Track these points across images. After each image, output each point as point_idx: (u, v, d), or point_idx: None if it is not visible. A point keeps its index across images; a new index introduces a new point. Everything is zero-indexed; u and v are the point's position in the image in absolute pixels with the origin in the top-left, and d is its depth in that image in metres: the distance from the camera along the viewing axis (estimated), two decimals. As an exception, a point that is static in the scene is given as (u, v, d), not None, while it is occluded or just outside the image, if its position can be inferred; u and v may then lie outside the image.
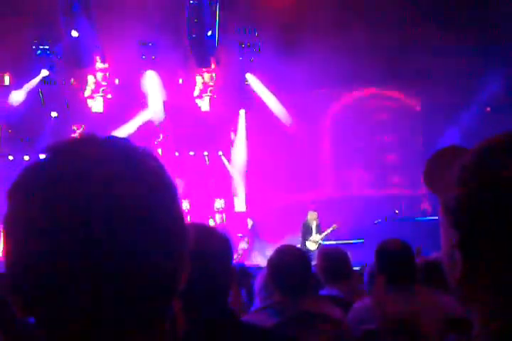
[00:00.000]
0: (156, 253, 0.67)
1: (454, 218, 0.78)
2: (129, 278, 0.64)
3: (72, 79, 15.09)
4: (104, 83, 15.20)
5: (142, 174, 0.68)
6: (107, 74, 15.21)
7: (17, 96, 14.34)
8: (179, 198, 0.72)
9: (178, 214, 0.71)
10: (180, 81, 15.48)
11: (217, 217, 14.90)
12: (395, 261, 2.59)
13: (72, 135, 14.12)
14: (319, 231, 11.72)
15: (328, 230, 11.67)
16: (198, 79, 15.53)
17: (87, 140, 0.71)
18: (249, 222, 13.81)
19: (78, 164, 0.66)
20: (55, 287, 0.64)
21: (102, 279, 0.63)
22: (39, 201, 0.65)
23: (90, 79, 15.12)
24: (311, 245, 11.52)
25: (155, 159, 0.71)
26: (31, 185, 0.67)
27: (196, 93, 15.58)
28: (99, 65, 15.10)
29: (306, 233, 11.78)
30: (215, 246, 1.51)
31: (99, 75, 15.19)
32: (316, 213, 11.87)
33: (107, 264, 0.63)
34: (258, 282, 3.16)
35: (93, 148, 0.69)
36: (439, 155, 0.92)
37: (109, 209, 0.64)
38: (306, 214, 12.02)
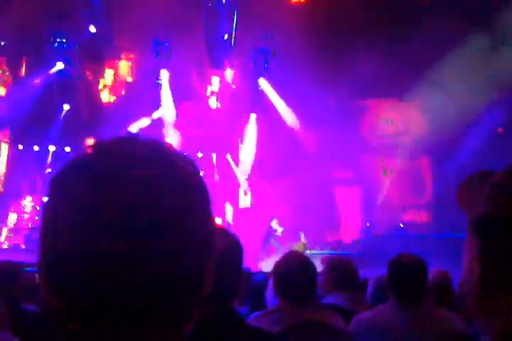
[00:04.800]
0: (189, 257, 0.69)
1: (477, 230, 0.77)
2: (160, 280, 0.66)
3: (86, 73, 15.14)
4: (118, 79, 15.24)
5: (181, 179, 0.71)
6: (122, 70, 15.25)
7: (31, 87, 14.39)
8: (211, 204, 0.75)
9: (210, 219, 0.74)
10: (194, 82, 15.50)
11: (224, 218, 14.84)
12: (410, 276, 2.53)
13: (87, 132, 14.15)
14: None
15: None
16: (212, 81, 15.55)
17: (131, 140, 0.73)
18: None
19: (121, 164, 0.69)
20: (86, 279, 0.65)
21: (134, 277, 0.65)
22: (80, 196, 0.67)
23: (104, 74, 15.16)
24: None
25: (194, 165, 0.74)
26: (75, 180, 0.69)
27: (209, 94, 15.60)
28: (114, 61, 15.15)
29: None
30: (227, 248, 1.49)
31: (114, 71, 15.23)
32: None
33: (140, 264, 0.65)
34: (270, 288, 3.12)
35: (137, 149, 0.71)
36: (471, 177, 0.93)
37: (147, 211, 0.66)
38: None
